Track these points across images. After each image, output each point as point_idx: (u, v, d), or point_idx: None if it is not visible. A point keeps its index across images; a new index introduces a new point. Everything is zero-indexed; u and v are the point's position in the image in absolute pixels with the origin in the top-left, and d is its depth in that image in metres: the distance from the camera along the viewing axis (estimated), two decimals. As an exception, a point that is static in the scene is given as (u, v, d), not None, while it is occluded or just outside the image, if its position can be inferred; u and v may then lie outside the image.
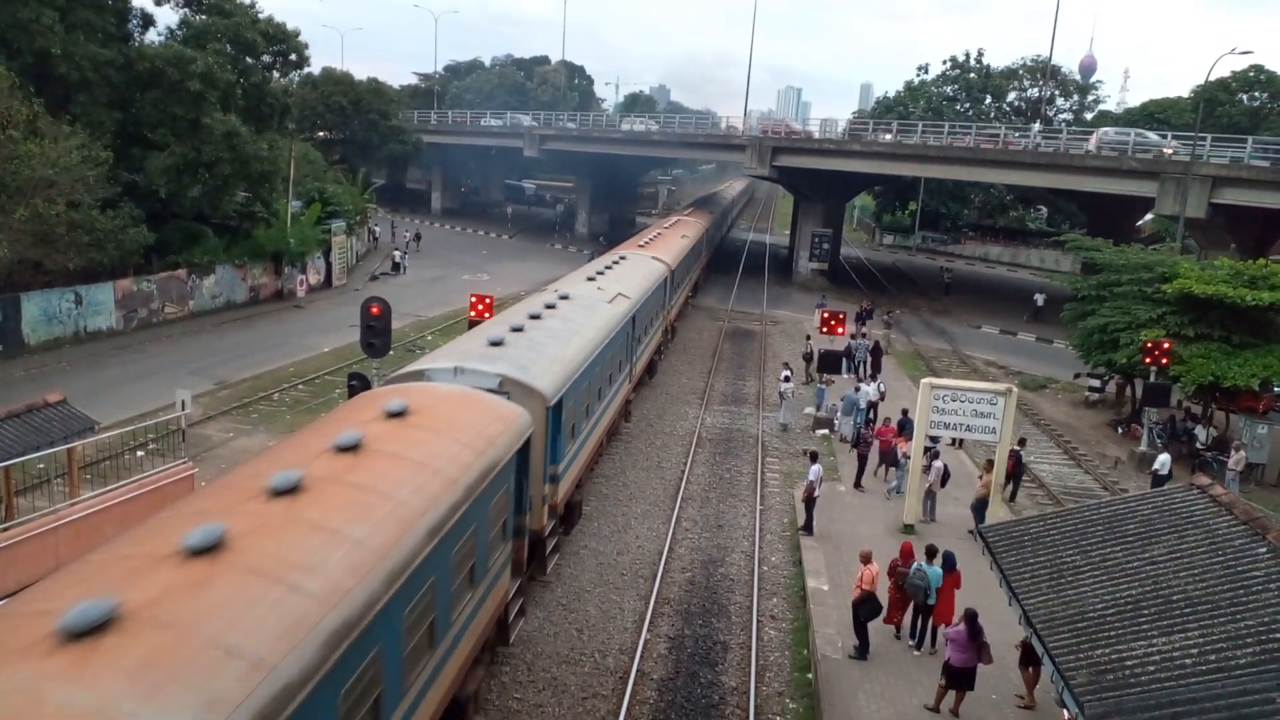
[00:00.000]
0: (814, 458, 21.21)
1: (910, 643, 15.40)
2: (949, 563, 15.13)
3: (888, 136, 58.11)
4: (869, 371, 34.00)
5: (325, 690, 7.13)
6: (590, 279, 26.97)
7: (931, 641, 15.29)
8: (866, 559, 15.20)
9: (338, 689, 7.42)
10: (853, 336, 35.27)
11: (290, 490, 8.76)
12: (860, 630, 14.92)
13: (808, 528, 20.06)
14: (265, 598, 7.17)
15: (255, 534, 7.97)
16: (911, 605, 15.22)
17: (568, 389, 17.30)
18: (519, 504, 14.52)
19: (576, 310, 21.95)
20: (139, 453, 21.80)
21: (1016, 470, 22.93)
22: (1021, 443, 24.26)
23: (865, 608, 14.75)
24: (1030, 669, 13.51)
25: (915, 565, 15.09)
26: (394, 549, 8.69)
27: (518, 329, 18.49)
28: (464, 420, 12.58)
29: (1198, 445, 25.89)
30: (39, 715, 5.53)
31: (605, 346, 21.52)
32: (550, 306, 21.30)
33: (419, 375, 15.35)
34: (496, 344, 16.98)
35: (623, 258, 32.94)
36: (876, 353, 35.95)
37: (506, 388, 15.19)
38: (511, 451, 13.00)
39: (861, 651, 14.88)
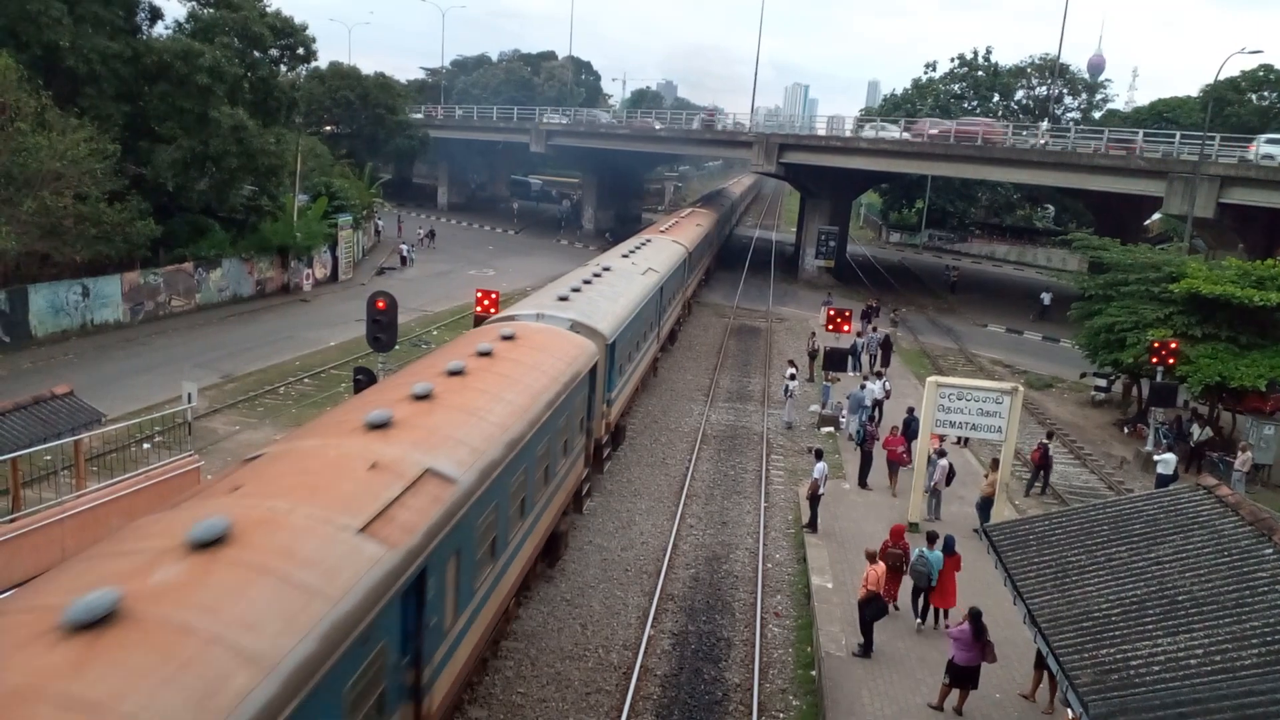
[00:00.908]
0: (819, 455, 21.18)
1: (917, 621, 15.98)
2: (949, 546, 15.69)
3: (894, 132, 57.88)
4: (878, 365, 34.28)
5: (495, 491, 11.87)
6: (625, 255, 32.31)
7: (934, 621, 16.02)
8: (872, 558, 15.20)
9: (506, 488, 12.53)
10: (859, 334, 35.27)
11: (459, 372, 13.77)
12: (865, 629, 14.93)
13: (812, 525, 20.05)
14: (464, 424, 12.05)
15: (450, 391, 12.93)
16: (913, 586, 15.93)
17: (619, 334, 22.14)
18: (590, 411, 19.47)
19: (618, 279, 26.94)
20: (145, 445, 21.87)
21: (1045, 462, 23.95)
22: (1050, 436, 25.51)
23: (871, 607, 14.75)
24: (1042, 670, 13.44)
25: (917, 552, 15.69)
26: (525, 411, 13.77)
27: (576, 290, 23.45)
28: (554, 345, 17.69)
29: (1190, 444, 25.85)
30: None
31: (643, 307, 26.47)
32: (597, 275, 26.52)
33: (510, 320, 19.62)
34: (563, 299, 22.01)
35: (649, 240, 38.12)
36: (887, 345, 36.31)
37: (577, 329, 19.70)
38: (586, 370, 18.03)
39: (865, 650, 14.88)
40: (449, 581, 10.49)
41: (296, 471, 9.63)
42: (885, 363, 35.15)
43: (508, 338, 16.75)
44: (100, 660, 5.96)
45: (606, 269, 27.95)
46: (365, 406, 11.71)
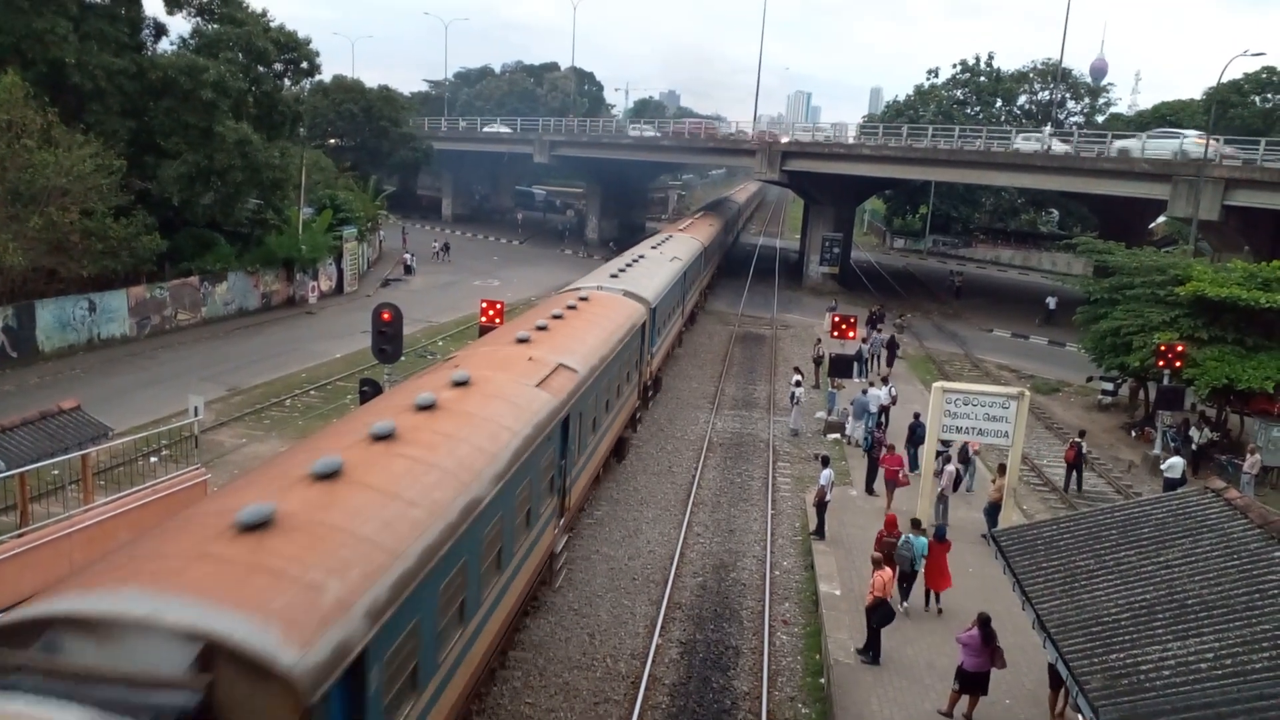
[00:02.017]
0: (825, 462, 21.17)
1: (902, 605, 16.49)
2: (939, 534, 16.73)
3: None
4: (883, 366, 35.12)
5: (596, 383, 17.82)
6: (654, 248, 38.62)
7: (926, 603, 16.84)
8: (878, 563, 15.16)
9: (600, 385, 18.34)
10: (864, 340, 35.31)
11: (560, 316, 20.34)
12: (873, 635, 14.88)
13: (819, 532, 20.00)
14: (572, 342, 18.30)
15: (540, 342, 17.65)
16: (898, 570, 16.54)
17: (659, 302, 28.91)
18: (639, 359, 25.79)
19: (650, 265, 33.45)
20: (152, 459, 21.92)
21: (1078, 461, 24.46)
22: (1083, 435, 25.83)
23: (878, 614, 14.70)
24: (1059, 690, 13.33)
25: (903, 537, 16.55)
26: (606, 341, 20.31)
27: (623, 269, 30.42)
28: (615, 305, 24.35)
29: (1192, 447, 25.75)
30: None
31: (672, 286, 32.88)
32: (634, 261, 33.04)
33: (577, 289, 26.04)
34: (614, 276, 28.83)
35: (670, 237, 44.45)
36: (892, 346, 36.93)
37: (629, 296, 26.10)
38: (638, 325, 24.66)
39: (874, 657, 14.83)
40: (577, 428, 17.09)
41: (487, 361, 15.95)
42: (890, 363, 35.85)
43: (584, 299, 23.48)
44: (431, 423, 11.86)
45: (642, 256, 35.02)
46: (513, 330, 18.96)
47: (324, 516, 8.64)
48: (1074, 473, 24.76)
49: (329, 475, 9.31)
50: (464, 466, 11.03)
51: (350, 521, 8.65)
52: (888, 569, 15.10)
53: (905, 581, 16.64)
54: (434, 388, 13.26)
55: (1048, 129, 56.85)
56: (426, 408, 12.09)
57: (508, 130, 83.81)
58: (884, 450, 22.95)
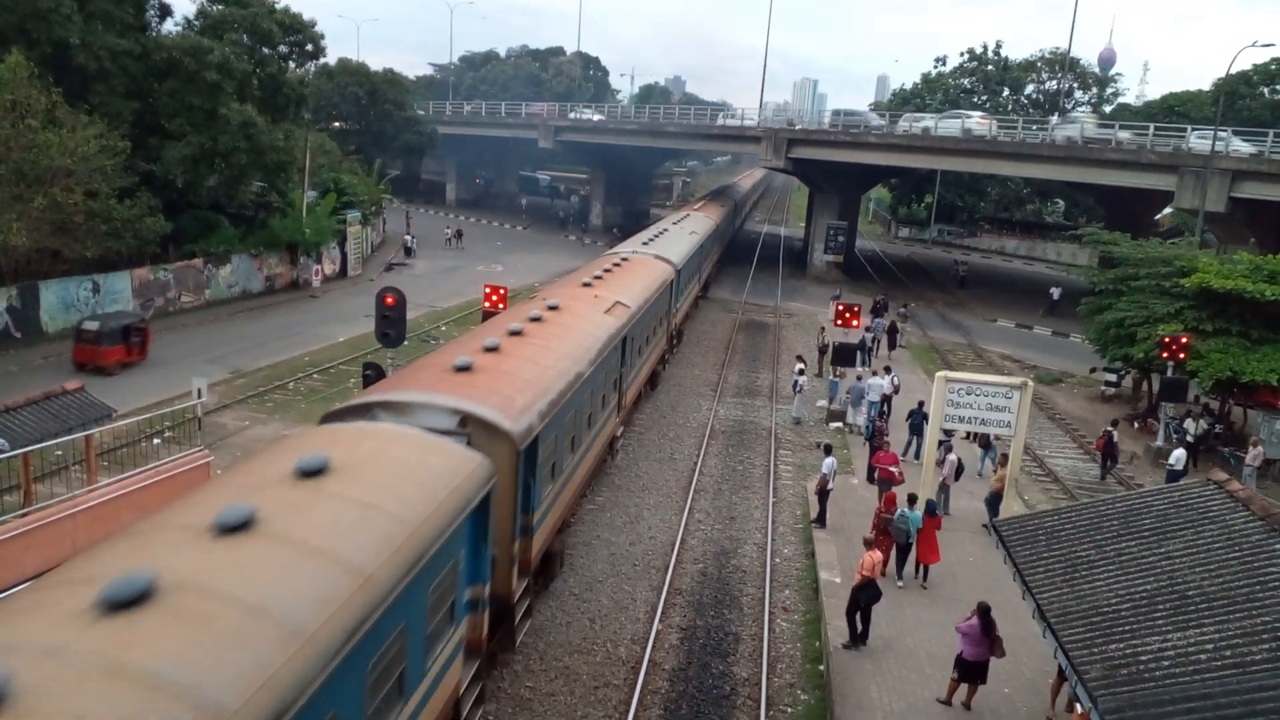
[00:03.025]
0: (828, 450, 21.17)
1: (898, 582, 17.15)
2: (930, 508, 17.43)
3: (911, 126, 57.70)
4: (884, 350, 36.15)
5: (640, 321, 24.57)
6: (676, 222, 45.52)
7: (917, 574, 17.50)
8: (869, 544, 15.21)
9: (640, 326, 24.55)
10: (867, 329, 35.31)
11: (609, 270, 26.60)
12: (863, 616, 14.86)
13: (820, 520, 20.04)
14: (623, 288, 24.74)
15: (599, 286, 23.70)
16: (894, 544, 17.25)
17: (684, 264, 34.34)
18: (668, 309, 31.60)
19: (674, 236, 39.52)
20: (155, 440, 21.97)
21: (1110, 450, 24.88)
22: (1115, 424, 26.30)
23: (865, 593, 14.72)
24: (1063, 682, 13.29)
25: (898, 511, 17.06)
26: (646, 289, 26.05)
27: (653, 239, 36.76)
28: (650, 265, 30.33)
29: (1187, 439, 25.70)
30: None
31: (692, 254, 37.99)
32: (660, 233, 39.38)
33: (617, 254, 31.83)
34: (646, 244, 34.98)
35: (688, 215, 50.66)
36: (893, 331, 37.89)
37: (659, 259, 31.81)
38: (668, 282, 30.30)
39: (860, 638, 14.83)
40: (631, 347, 23.06)
41: (568, 295, 21.57)
42: (891, 346, 36.96)
43: (625, 259, 29.94)
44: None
45: (665, 230, 41.11)
46: (579, 277, 25.59)
47: (508, 366, 14.85)
48: (1107, 461, 25.16)
49: (494, 349, 15.22)
50: (570, 354, 17.00)
51: (523, 369, 15.00)
52: (878, 551, 15.14)
53: (901, 554, 17.37)
54: (537, 309, 18.91)
55: (1054, 119, 56.61)
56: (536, 319, 17.92)
57: (513, 114, 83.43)
58: (881, 443, 23.01)
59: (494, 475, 11.13)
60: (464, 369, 13.78)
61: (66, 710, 5.36)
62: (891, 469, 21.26)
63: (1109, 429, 25.36)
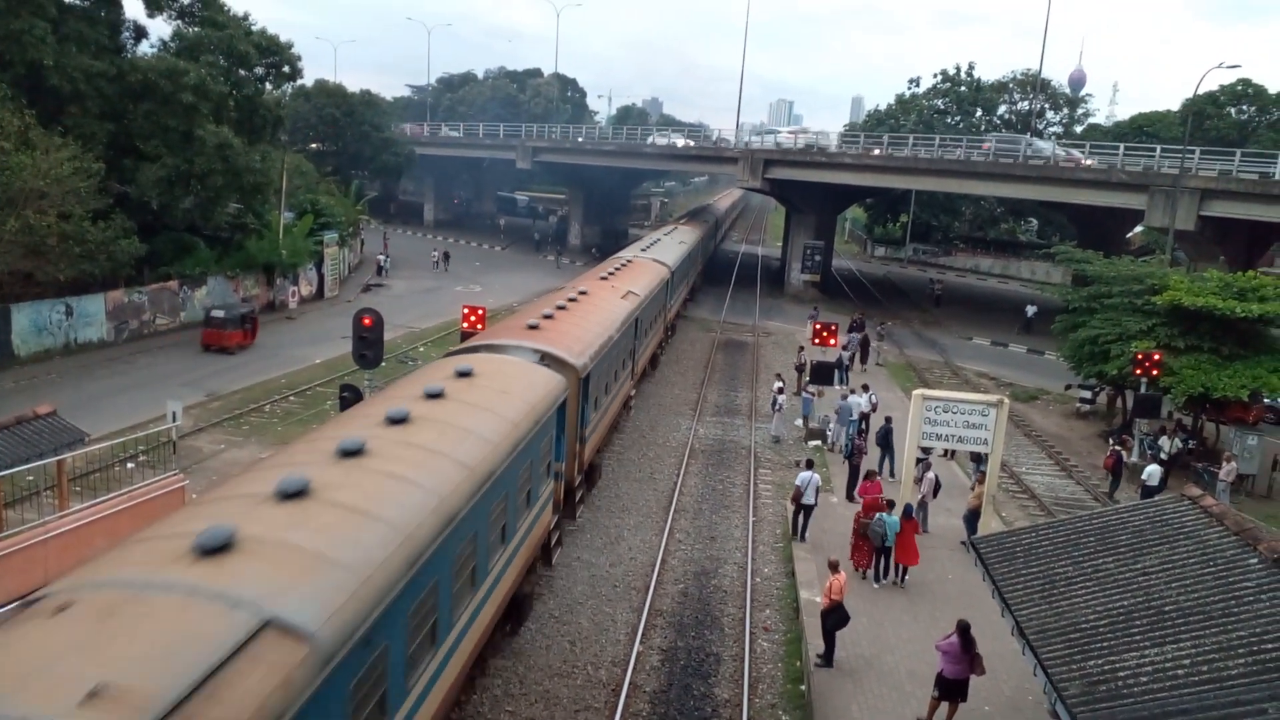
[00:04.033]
0: (809, 465, 21.12)
1: (876, 585, 18.19)
2: (907, 512, 18.20)
3: (877, 150, 58.34)
4: (857, 365, 37.25)
5: (644, 312, 30.49)
6: (666, 234, 51.78)
7: (891, 575, 18.38)
8: (835, 567, 15.18)
9: (642, 318, 30.13)
10: (843, 347, 35.47)
11: (615, 272, 32.95)
12: (828, 638, 14.88)
13: (797, 532, 20.07)
14: (631, 283, 31.02)
15: (614, 280, 31.06)
16: (872, 548, 18.15)
17: (677, 267, 40.91)
18: (665, 303, 37.02)
19: (667, 244, 46.08)
20: (129, 465, 21.70)
21: (1118, 469, 25.42)
22: (1123, 442, 27.08)
23: (833, 618, 14.72)
24: None
25: (876, 516, 17.84)
26: (649, 284, 32.66)
27: (650, 246, 43.69)
28: (650, 266, 36.61)
29: (1161, 456, 25.90)
30: None
31: (682, 260, 44.16)
32: (654, 243, 45.89)
33: (622, 258, 37.67)
34: (644, 250, 41.35)
35: (675, 227, 57.68)
36: (865, 344, 39.09)
37: (657, 262, 37.66)
38: (665, 280, 36.69)
39: (827, 659, 14.84)
40: (640, 329, 29.14)
41: (591, 286, 27.92)
42: (864, 360, 38.19)
43: (629, 261, 36.06)
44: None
45: (658, 240, 47.56)
46: (597, 272, 32.94)
47: (564, 328, 20.72)
48: (1112, 478, 25.45)
49: (550, 317, 21.20)
50: (601, 322, 23.29)
51: (573, 330, 20.92)
52: (843, 574, 15.13)
53: (881, 557, 18.25)
54: (568, 295, 25.10)
55: (1027, 138, 57.34)
56: (574, 299, 24.47)
57: (491, 135, 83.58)
58: (859, 461, 23.10)
59: (568, 388, 17.30)
60: (534, 327, 19.83)
61: None
62: (878, 498, 21.30)
63: (1117, 448, 25.77)
